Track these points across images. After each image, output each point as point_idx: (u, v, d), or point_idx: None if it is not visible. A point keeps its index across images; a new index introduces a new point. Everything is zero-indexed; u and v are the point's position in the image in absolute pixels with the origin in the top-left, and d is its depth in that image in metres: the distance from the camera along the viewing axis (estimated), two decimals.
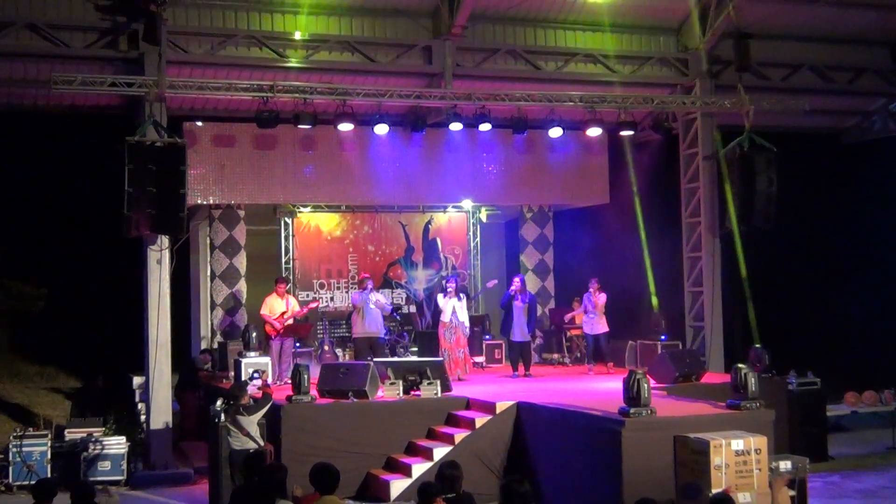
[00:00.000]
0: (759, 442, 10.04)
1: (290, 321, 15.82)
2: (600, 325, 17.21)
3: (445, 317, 16.17)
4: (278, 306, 15.88)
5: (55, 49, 14.86)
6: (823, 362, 16.24)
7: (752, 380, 11.33)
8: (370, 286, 16.17)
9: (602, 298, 17.16)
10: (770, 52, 18.20)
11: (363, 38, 16.47)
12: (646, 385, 10.71)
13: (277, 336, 15.68)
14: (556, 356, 19.24)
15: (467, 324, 16.38)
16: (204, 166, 17.44)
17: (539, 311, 18.96)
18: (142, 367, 15.29)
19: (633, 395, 10.65)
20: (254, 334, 14.94)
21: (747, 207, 17.16)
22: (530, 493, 7.31)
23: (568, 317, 19.04)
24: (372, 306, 15.89)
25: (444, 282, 17.15)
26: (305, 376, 12.66)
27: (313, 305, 17.45)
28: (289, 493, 8.87)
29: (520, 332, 16.45)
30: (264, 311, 15.96)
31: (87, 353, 19.83)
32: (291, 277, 19.33)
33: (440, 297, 16.47)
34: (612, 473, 10.41)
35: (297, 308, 16.20)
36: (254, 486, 8.87)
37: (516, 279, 17.05)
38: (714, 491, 9.29)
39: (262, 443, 11.30)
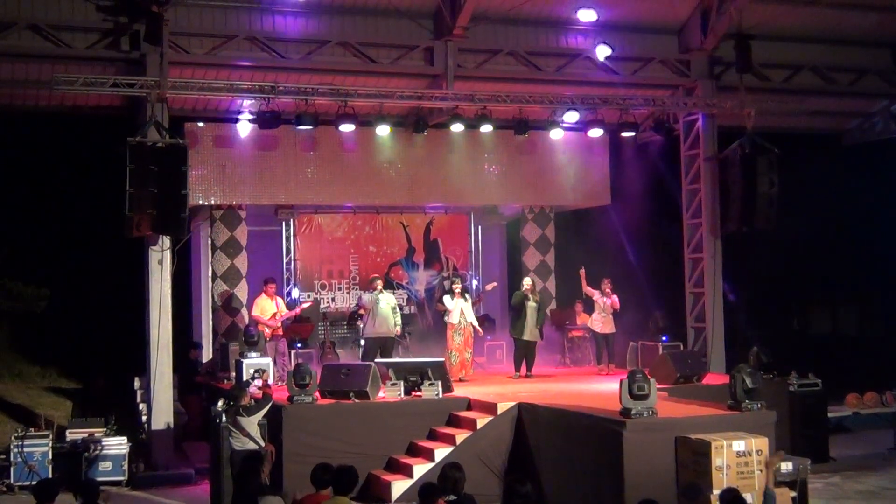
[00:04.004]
0: (761, 443, 10.06)
1: (279, 323, 15.84)
2: (611, 325, 17.20)
3: (453, 318, 16.10)
4: (269, 307, 15.89)
5: (57, 49, 14.87)
6: (825, 363, 16.25)
7: (750, 380, 11.32)
8: (379, 286, 16.11)
9: (616, 299, 17.13)
10: (771, 54, 18.21)
11: (364, 39, 16.47)
12: (651, 385, 10.71)
13: (271, 337, 15.68)
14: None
15: (476, 323, 16.34)
16: (205, 167, 17.43)
17: None
18: (143, 367, 15.30)
19: (633, 396, 10.65)
20: (258, 334, 14.93)
21: (749, 209, 17.16)
22: (532, 493, 7.30)
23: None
24: (382, 306, 15.82)
25: (450, 283, 17.10)
26: (312, 375, 12.72)
27: (305, 306, 17.45)
28: (288, 496, 8.87)
29: (530, 332, 16.41)
30: (255, 312, 15.97)
31: (88, 353, 19.82)
32: (293, 278, 19.34)
33: (447, 298, 16.39)
34: (613, 474, 10.41)
35: (285, 309, 16.21)
36: (244, 485, 8.90)
37: (528, 279, 17.07)
38: (715, 491, 9.31)
39: (262, 443, 11.30)
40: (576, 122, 17.62)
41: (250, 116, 16.69)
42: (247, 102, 16.61)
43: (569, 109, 16.98)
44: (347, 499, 7.93)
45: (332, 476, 8.07)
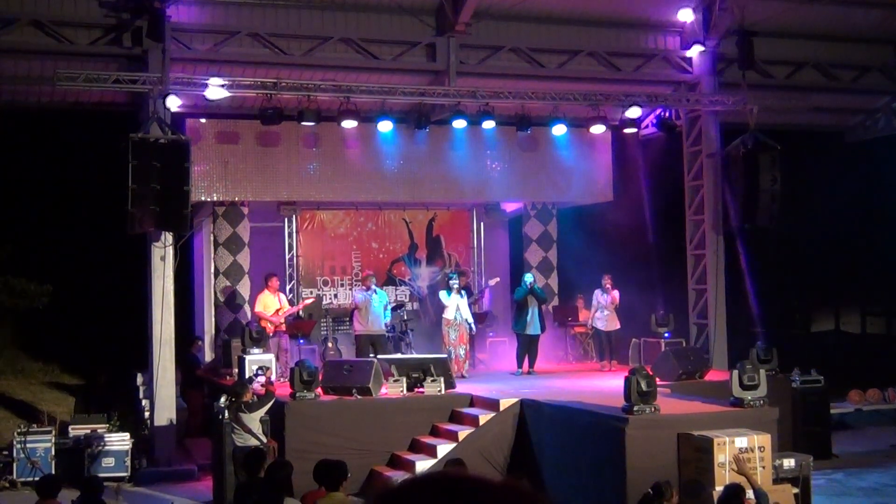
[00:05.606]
0: (763, 440, 10.06)
1: (282, 319, 15.85)
2: (615, 322, 17.21)
3: (449, 314, 16.14)
4: (272, 303, 15.90)
5: (59, 45, 14.86)
6: (827, 360, 16.24)
7: (752, 377, 11.32)
8: (372, 284, 16.19)
9: (617, 295, 17.15)
10: (774, 50, 18.19)
11: (367, 35, 16.47)
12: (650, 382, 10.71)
13: (274, 333, 15.69)
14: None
15: (471, 320, 16.36)
16: (208, 163, 17.42)
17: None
18: (145, 363, 15.32)
19: (635, 393, 10.65)
20: (261, 331, 14.93)
21: (751, 205, 17.16)
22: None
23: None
24: (375, 304, 15.90)
25: (447, 279, 17.14)
26: (315, 371, 12.76)
27: (308, 302, 17.46)
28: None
29: (534, 327, 16.44)
30: (258, 308, 15.98)
31: (91, 349, 19.83)
32: (295, 275, 19.34)
33: (443, 293, 16.45)
34: (615, 471, 10.42)
35: (287, 305, 16.23)
36: (258, 483, 8.87)
37: (529, 275, 17.09)
38: (718, 488, 9.31)
39: (264, 440, 11.31)
40: (578, 119, 17.61)
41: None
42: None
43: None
44: (343, 495, 7.90)
45: (320, 472, 8.02)
